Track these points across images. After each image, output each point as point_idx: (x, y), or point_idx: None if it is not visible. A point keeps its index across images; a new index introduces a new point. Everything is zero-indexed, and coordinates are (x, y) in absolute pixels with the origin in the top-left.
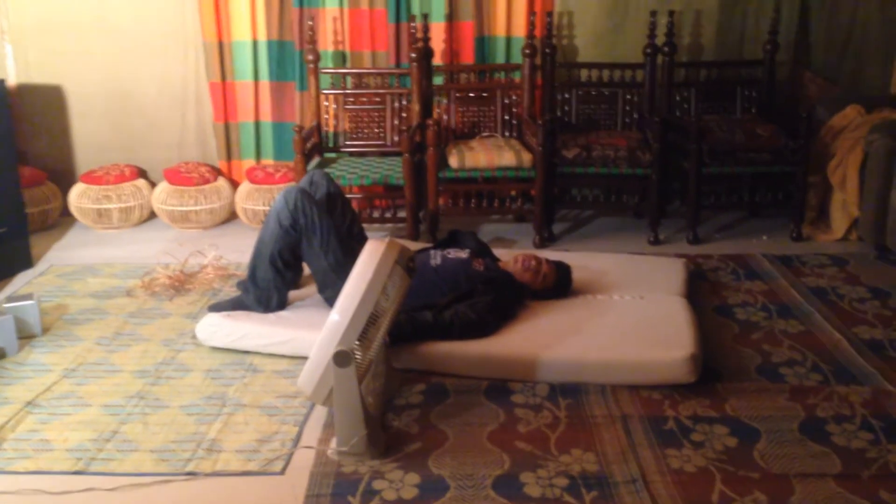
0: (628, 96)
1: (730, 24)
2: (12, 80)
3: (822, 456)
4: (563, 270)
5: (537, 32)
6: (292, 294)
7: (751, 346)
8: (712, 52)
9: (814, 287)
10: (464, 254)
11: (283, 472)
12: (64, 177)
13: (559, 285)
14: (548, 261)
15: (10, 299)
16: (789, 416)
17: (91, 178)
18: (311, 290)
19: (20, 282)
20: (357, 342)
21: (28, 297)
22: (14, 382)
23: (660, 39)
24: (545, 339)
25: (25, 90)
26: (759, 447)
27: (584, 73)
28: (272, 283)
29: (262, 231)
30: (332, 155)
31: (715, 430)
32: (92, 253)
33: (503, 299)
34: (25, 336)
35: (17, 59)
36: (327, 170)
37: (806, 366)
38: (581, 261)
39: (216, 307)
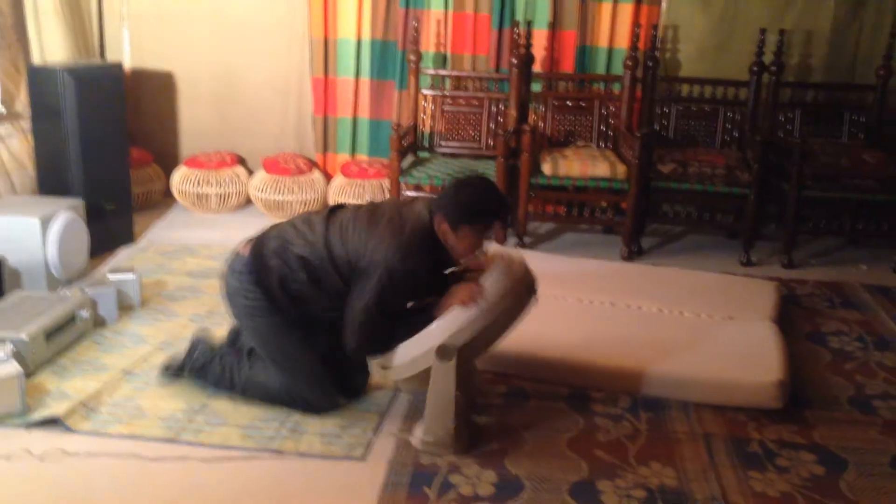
0: (730, 114)
1: (842, 47)
2: (127, 64)
3: None
4: None
5: (641, 45)
6: None
7: (843, 376)
8: (822, 73)
9: None
10: None
11: (363, 457)
12: (168, 159)
13: None
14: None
15: (112, 271)
16: (881, 450)
17: (194, 162)
18: None
19: (121, 255)
20: (464, 343)
21: (129, 270)
22: (112, 350)
23: (767, 58)
24: (629, 352)
25: (138, 74)
26: (846, 478)
27: (685, 88)
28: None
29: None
30: (426, 154)
31: (801, 457)
32: (190, 234)
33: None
34: (125, 307)
35: (133, 44)
36: (419, 168)
37: None
38: (669, 277)
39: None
